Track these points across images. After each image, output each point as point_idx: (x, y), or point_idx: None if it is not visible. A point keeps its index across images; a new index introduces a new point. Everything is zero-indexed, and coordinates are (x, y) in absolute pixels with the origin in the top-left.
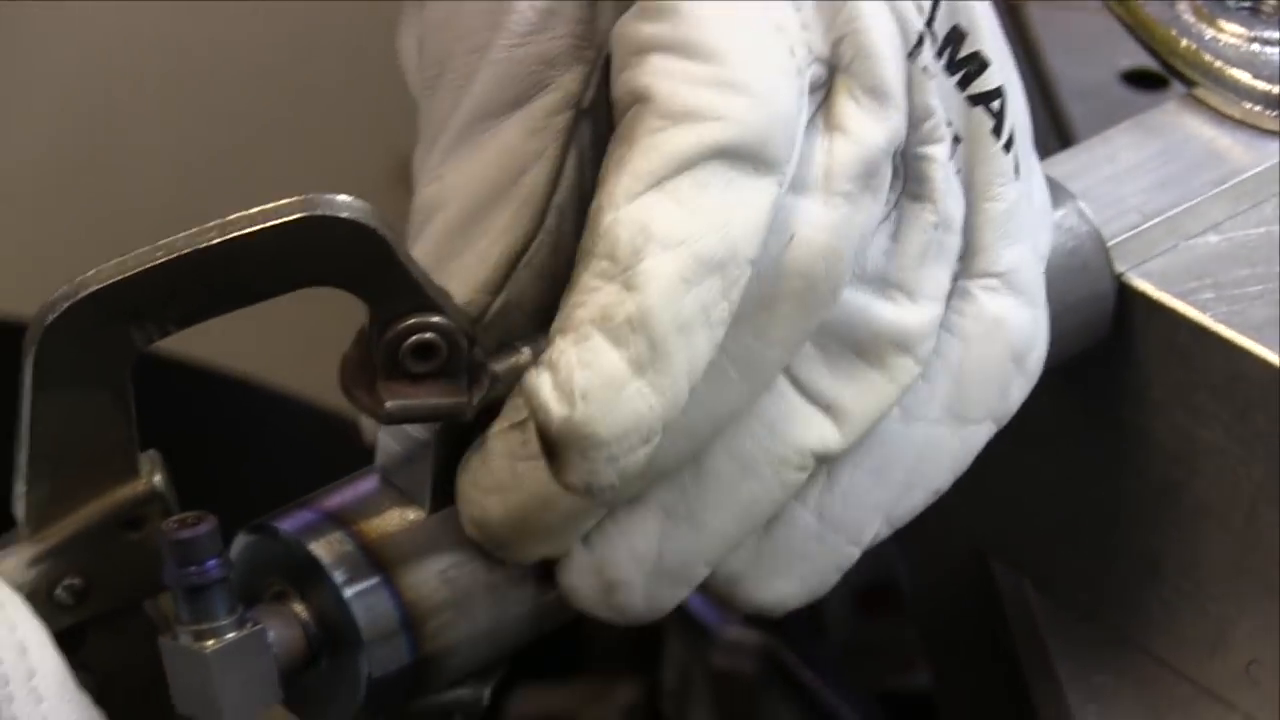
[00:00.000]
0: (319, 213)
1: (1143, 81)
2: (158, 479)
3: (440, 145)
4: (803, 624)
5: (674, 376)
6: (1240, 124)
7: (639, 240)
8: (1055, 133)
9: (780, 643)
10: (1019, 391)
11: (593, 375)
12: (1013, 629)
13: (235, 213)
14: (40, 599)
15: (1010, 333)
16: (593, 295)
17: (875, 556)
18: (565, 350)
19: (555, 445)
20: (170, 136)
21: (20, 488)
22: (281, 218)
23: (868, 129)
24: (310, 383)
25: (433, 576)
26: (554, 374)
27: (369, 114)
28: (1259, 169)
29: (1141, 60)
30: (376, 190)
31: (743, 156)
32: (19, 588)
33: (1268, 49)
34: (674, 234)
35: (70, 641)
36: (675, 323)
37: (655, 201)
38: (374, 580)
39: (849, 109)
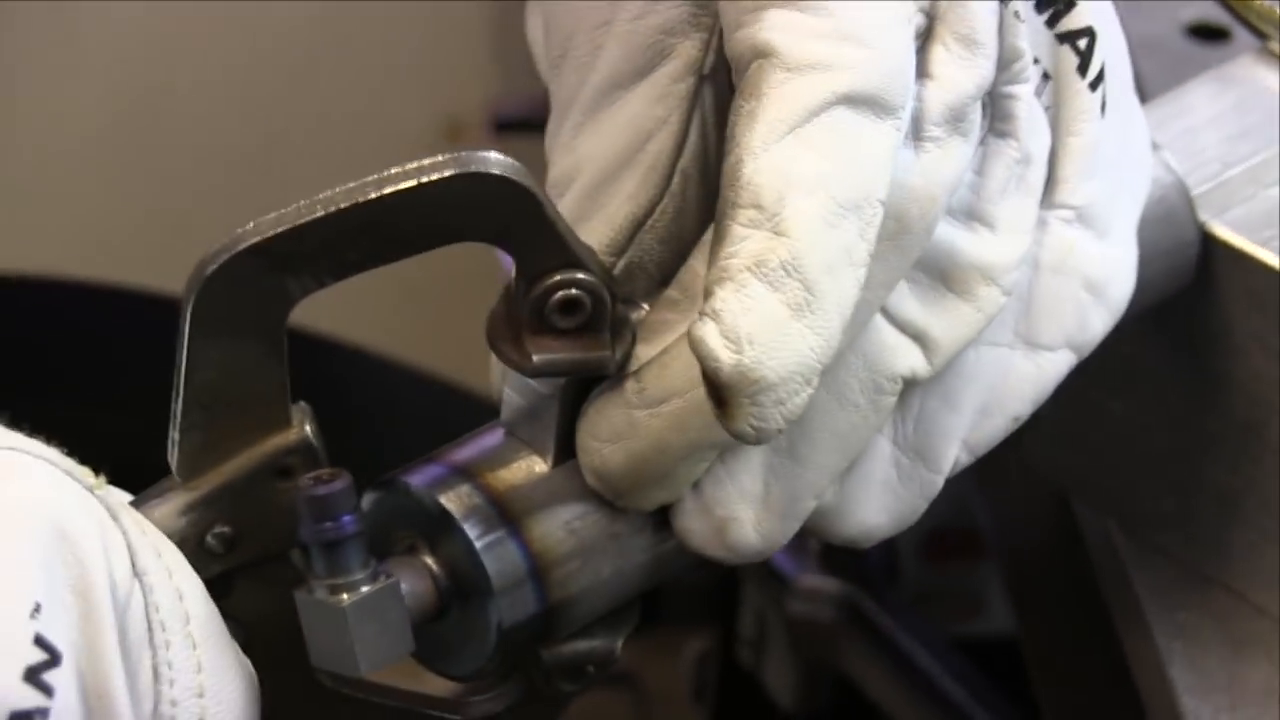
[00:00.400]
0: (472, 169)
1: (1205, 34)
2: (308, 428)
3: (571, 120)
4: (878, 570)
5: (828, 317)
6: None
7: (781, 186)
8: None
9: (857, 589)
10: (1100, 323)
11: (756, 320)
12: (1096, 569)
13: (309, 175)
14: (191, 547)
15: (1083, 262)
16: (744, 244)
17: (942, 502)
18: (727, 299)
19: (725, 391)
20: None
21: (175, 435)
22: (436, 174)
23: (958, 76)
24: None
25: (558, 527)
26: (719, 322)
27: (417, 76)
28: None
29: (1203, 13)
30: (426, 149)
31: (865, 102)
32: (171, 535)
33: None
34: (813, 178)
35: (219, 589)
36: (824, 264)
37: (792, 148)
38: (502, 531)
39: (941, 56)
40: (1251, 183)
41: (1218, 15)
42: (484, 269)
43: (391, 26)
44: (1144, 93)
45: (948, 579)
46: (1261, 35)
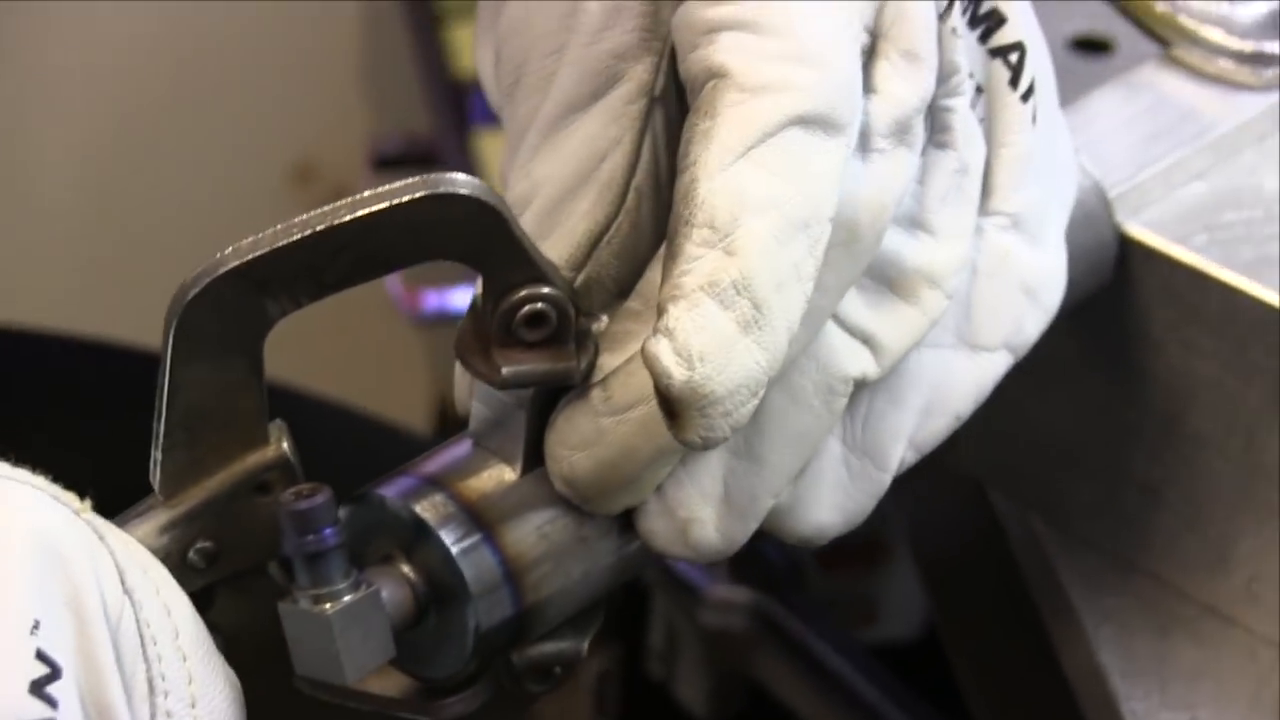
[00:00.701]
0: (441, 189)
1: (1088, 47)
2: (286, 445)
3: (527, 143)
4: (785, 577)
5: (776, 333)
6: (1216, 80)
7: (735, 207)
8: None
9: (767, 597)
10: (1034, 325)
11: (708, 338)
12: (1020, 560)
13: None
14: (174, 562)
15: (1018, 267)
16: (698, 263)
17: None
18: (680, 317)
19: (676, 405)
20: None
21: (157, 455)
22: (407, 195)
23: (902, 90)
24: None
25: (530, 532)
26: (672, 340)
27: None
28: (1237, 121)
29: (1085, 26)
30: (276, 188)
31: (816, 122)
32: (155, 552)
33: (1239, 9)
34: (765, 199)
35: (201, 602)
36: (774, 282)
37: (746, 170)
38: (477, 537)
39: (886, 71)
40: (1164, 184)
41: (1099, 28)
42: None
43: (255, 70)
44: None
45: (845, 586)
46: (1165, 43)
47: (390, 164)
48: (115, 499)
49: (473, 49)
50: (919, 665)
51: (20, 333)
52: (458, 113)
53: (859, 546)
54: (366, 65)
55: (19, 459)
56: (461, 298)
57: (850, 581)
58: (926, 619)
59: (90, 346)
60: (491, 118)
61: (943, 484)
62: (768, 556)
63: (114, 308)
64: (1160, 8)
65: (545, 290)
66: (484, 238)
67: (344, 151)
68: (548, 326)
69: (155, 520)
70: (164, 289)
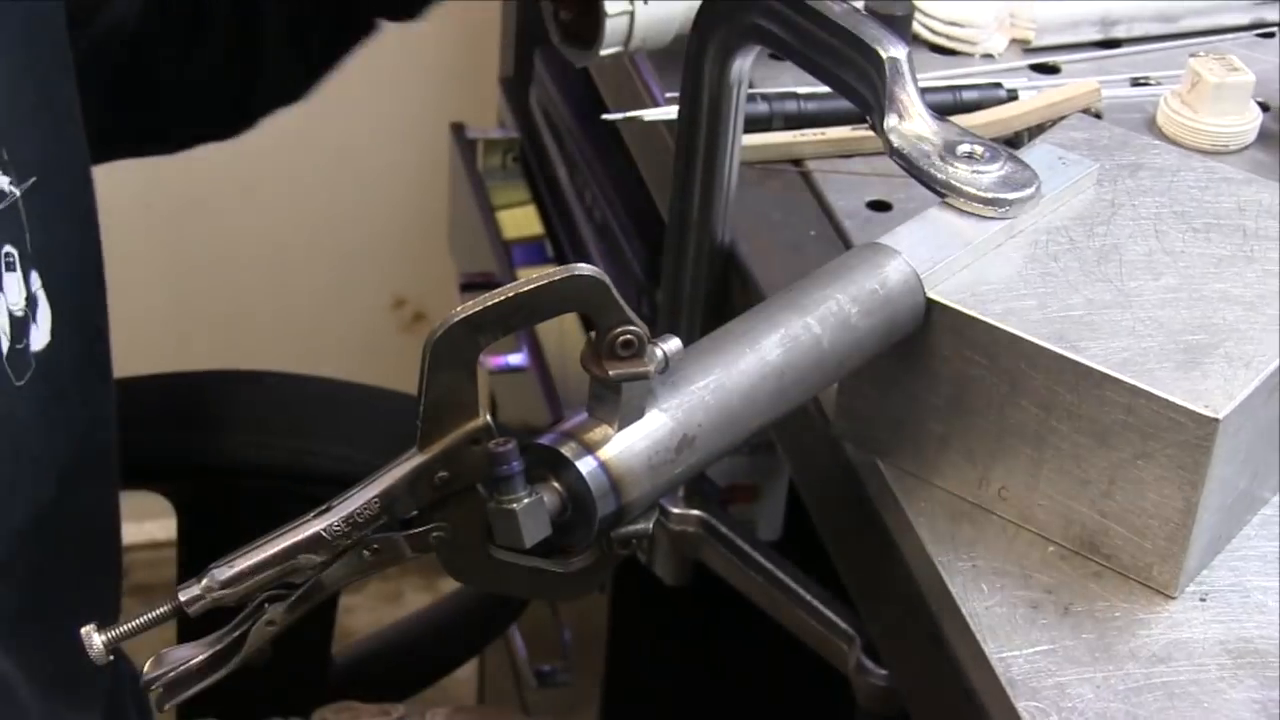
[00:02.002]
0: (575, 273)
1: (878, 206)
2: (489, 418)
3: None
4: (715, 503)
5: None
6: (971, 215)
7: None
8: (838, 236)
9: (707, 514)
10: None
11: None
12: (866, 484)
13: None
14: (424, 483)
15: None
16: None
17: (732, 466)
18: None
19: None
20: None
21: (419, 424)
22: (556, 277)
23: None
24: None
25: (624, 462)
26: None
27: (375, 260)
28: (984, 236)
29: (876, 195)
30: (382, 321)
31: None
32: (415, 478)
33: (980, 176)
34: None
35: (438, 507)
36: None
37: None
38: (595, 465)
39: None
40: (947, 271)
41: (883, 196)
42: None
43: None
44: (848, 240)
45: (736, 511)
46: (942, 194)
47: (470, 288)
48: None
49: None
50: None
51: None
52: (508, 259)
53: (744, 487)
54: (454, 233)
55: None
56: (514, 358)
57: (740, 508)
58: (784, 528)
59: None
60: (527, 261)
61: (814, 442)
62: (705, 492)
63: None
64: (941, 176)
65: (632, 327)
66: (597, 297)
67: (432, 284)
68: (633, 348)
69: (415, 461)
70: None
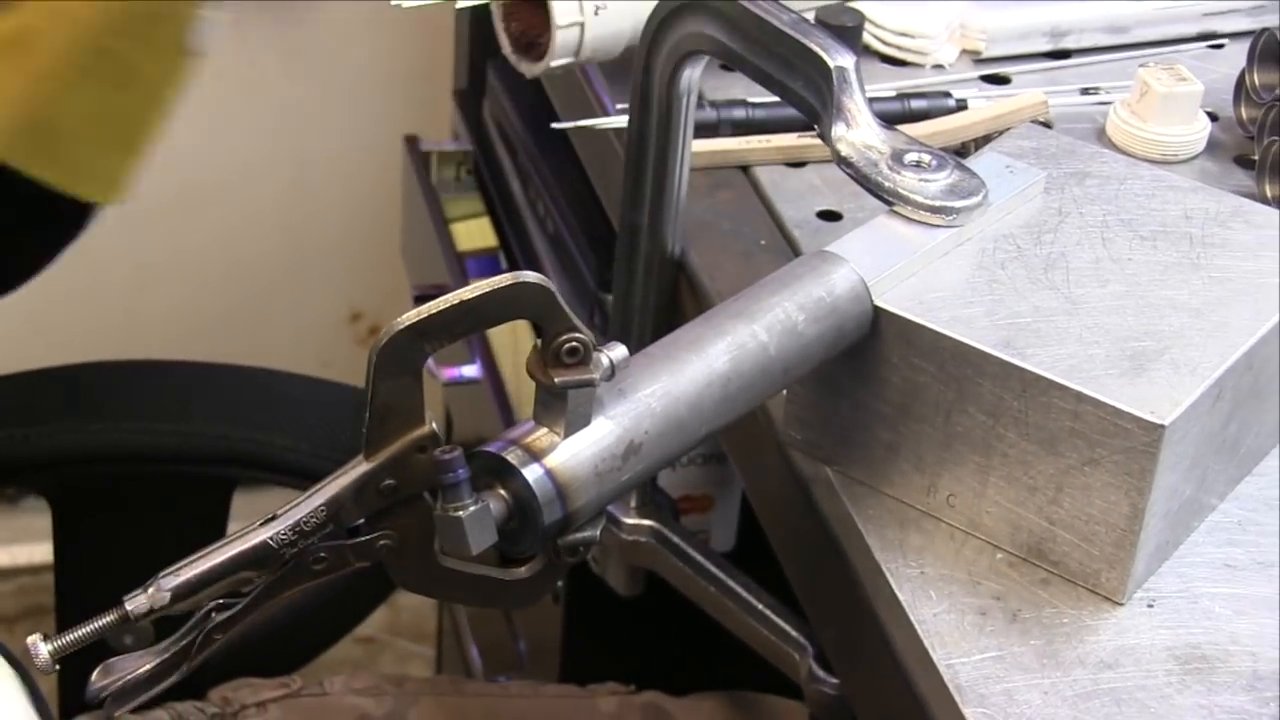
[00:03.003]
0: (521, 279)
1: (828, 216)
2: (434, 425)
3: None
4: (668, 512)
5: None
6: (918, 223)
7: None
8: (788, 245)
9: (659, 524)
10: None
11: None
12: (813, 492)
13: None
14: (371, 491)
15: None
16: None
17: (685, 478)
18: None
19: None
20: None
21: (364, 431)
22: (504, 282)
23: None
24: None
25: (570, 468)
26: None
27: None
28: (932, 244)
29: (825, 205)
30: (336, 332)
31: None
32: (361, 486)
33: (927, 184)
34: None
35: (385, 515)
36: None
37: None
38: (541, 472)
39: None
40: (895, 279)
41: (832, 205)
42: None
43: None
44: (798, 249)
45: (691, 521)
46: (890, 203)
47: (424, 299)
48: None
49: None
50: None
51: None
52: (462, 271)
53: (698, 497)
54: (407, 245)
55: None
56: (468, 370)
57: (694, 518)
58: (737, 537)
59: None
60: (481, 273)
61: (763, 450)
62: (658, 502)
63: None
64: (888, 185)
65: (577, 334)
66: (543, 304)
67: (388, 297)
68: (578, 355)
69: (361, 469)
70: None
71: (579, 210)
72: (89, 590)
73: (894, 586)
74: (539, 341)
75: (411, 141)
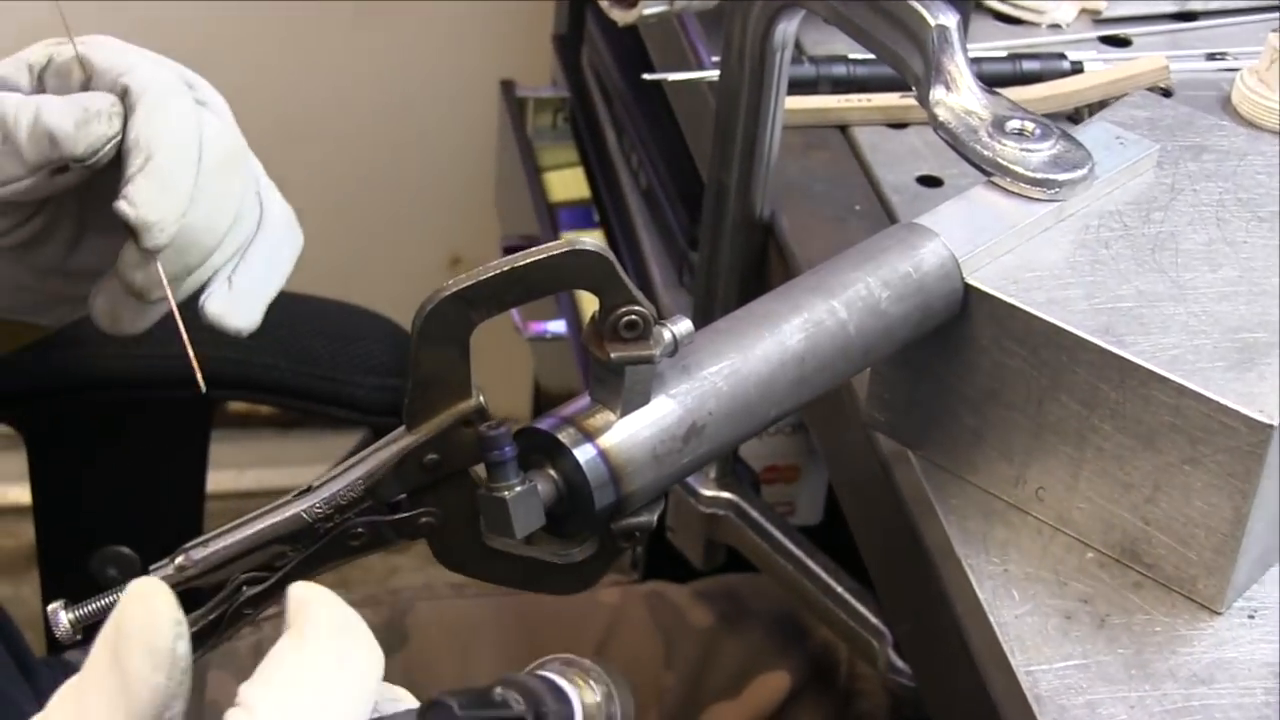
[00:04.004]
0: (577, 246)
1: (928, 181)
2: (482, 399)
3: None
4: (748, 484)
5: None
6: (1018, 196)
7: None
8: (884, 210)
9: (737, 496)
10: None
11: None
12: (897, 480)
13: None
14: (412, 465)
15: None
16: None
17: (774, 447)
18: None
19: None
20: None
21: (407, 403)
22: (556, 251)
23: None
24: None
25: (625, 450)
26: None
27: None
28: (1031, 219)
29: (926, 169)
30: (436, 276)
31: None
32: (403, 459)
33: (1029, 155)
34: None
35: (427, 491)
36: None
37: None
38: (594, 453)
39: None
40: (989, 255)
41: (934, 170)
42: None
43: (413, 188)
44: (895, 215)
45: (776, 491)
46: (988, 174)
47: (513, 251)
48: None
49: None
50: (821, 542)
51: None
52: (553, 222)
53: (785, 468)
54: (500, 193)
55: None
56: (554, 326)
57: (780, 489)
58: (824, 513)
59: None
60: (573, 225)
61: (845, 427)
62: (738, 474)
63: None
64: (986, 153)
65: (637, 307)
66: (601, 275)
67: (481, 247)
68: (638, 329)
69: (404, 441)
70: None
71: (672, 165)
72: (71, 524)
73: (974, 584)
74: (596, 312)
75: (508, 86)
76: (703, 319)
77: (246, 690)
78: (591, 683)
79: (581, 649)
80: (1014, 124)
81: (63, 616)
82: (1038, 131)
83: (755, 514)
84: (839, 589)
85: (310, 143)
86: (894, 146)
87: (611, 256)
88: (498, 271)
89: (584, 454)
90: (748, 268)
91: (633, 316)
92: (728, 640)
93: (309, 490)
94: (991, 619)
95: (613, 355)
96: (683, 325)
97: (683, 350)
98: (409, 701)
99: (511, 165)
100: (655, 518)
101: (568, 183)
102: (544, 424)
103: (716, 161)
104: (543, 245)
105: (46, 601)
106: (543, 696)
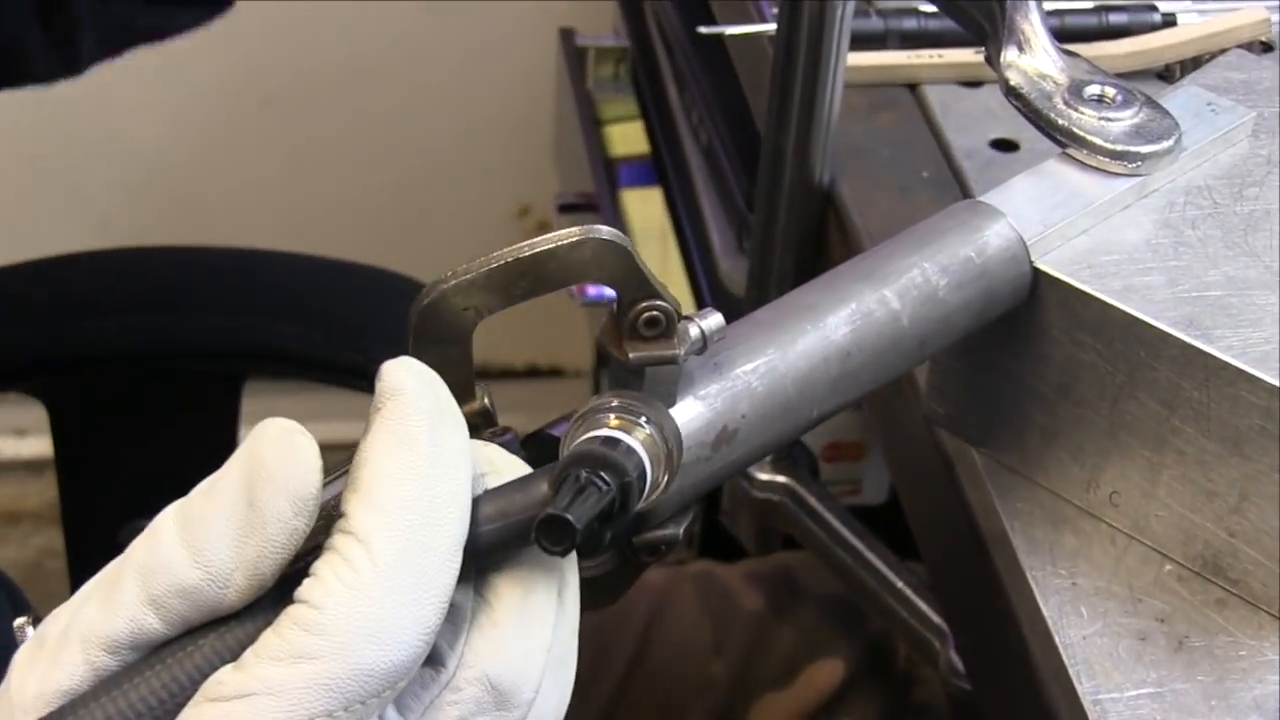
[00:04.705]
0: (591, 235)
1: (1003, 146)
2: (486, 400)
3: None
4: (805, 467)
5: None
6: (1095, 169)
7: None
8: (954, 178)
9: (794, 481)
10: None
11: None
12: (961, 478)
13: None
14: None
15: None
16: None
17: (837, 423)
18: None
19: None
20: None
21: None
22: (569, 239)
23: None
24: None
25: None
26: None
27: (497, 174)
28: (1109, 196)
29: (1001, 133)
30: (504, 226)
31: None
32: None
33: (1109, 124)
34: None
35: None
36: None
37: None
38: None
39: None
40: (1061, 237)
41: (1009, 134)
42: None
43: (477, 136)
44: (965, 183)
45: (840, 470)
46: (1063, 144)
47: (569, 209)
48: None
49: None
50: (887, 523)
51: None
52: (611, 179)
53: (849, 445)
54: (558, 146)
55: None
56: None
57: (844, 468)
58: (890, 491)
59: None
60: (632, 182)
61: (905, 416)
62: (795, 457)
63: None
64: (1062, 122)
65: (658, 303)
66: (619, 268)
67: (549, 200)
68: (659, 327)
69: None
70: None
71: (733, 122)
72: (97, 498)
73: (1039, 599)
74: (614, 308)
75: (567, 35)
76: (757, 292)
77: (355, 513)
78: (638, 419)
79: (625, 635)
80: (1093, 89)
81: (30, 633)
82: (1119, 98)
83: (813, 500)
84: (899, 584)
85: (375, 86)
86: (967, 107)
87: (630, 245)
88: (501, 263)
89: None
90: (805, 238)
91: (654, 313)
92: (780, 626)
93: None
94: (1057, 639)
95: (631, 356)
96: (712, 320)
97: (714, 346)
98: (494, 460)
99: (569, 117)
100: (681, 530)
101: (628, 137)
102: (556, 430)
103: (772, 122)
104: (553, 233)
105: (74, 578)
106: (617, 461)
